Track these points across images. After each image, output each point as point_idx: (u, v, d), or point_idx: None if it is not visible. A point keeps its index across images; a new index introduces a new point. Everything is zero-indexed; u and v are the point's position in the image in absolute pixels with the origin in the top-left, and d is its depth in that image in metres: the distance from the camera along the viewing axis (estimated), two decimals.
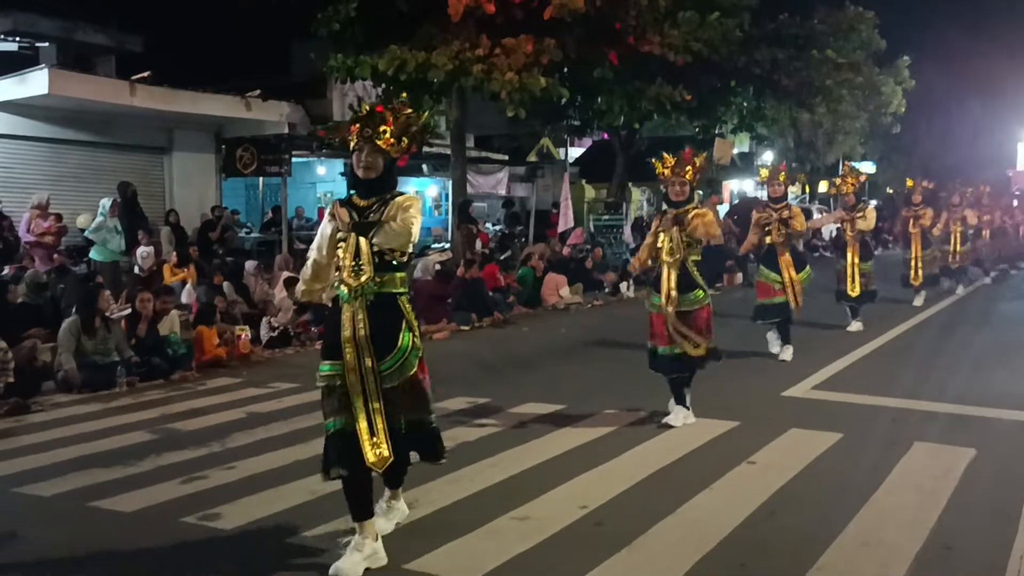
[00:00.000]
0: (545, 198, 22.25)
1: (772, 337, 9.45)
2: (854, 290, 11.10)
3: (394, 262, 4.11)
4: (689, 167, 6.45)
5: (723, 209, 24.12)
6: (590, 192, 25.41)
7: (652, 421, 6.63)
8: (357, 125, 4.11)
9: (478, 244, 16.55)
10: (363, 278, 4.03)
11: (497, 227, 22.32)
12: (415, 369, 4.14)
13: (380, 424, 4.04)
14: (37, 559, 4.30)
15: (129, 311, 9.35)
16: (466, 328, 12.17)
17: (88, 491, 5.24)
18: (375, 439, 4.03)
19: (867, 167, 39.27)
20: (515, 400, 7.48)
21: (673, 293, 6.39)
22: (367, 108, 4.18)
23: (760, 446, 5.93)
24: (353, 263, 4.06)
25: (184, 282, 11.77)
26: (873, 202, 24.23)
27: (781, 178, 9.37)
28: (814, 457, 5.71)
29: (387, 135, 4.08)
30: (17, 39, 13.24)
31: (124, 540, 4.50)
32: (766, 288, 9.35)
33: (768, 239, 9.26)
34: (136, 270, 12.51)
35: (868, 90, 23.32)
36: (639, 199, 27.55)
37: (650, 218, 27.36)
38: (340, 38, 14.59)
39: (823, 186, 32.26)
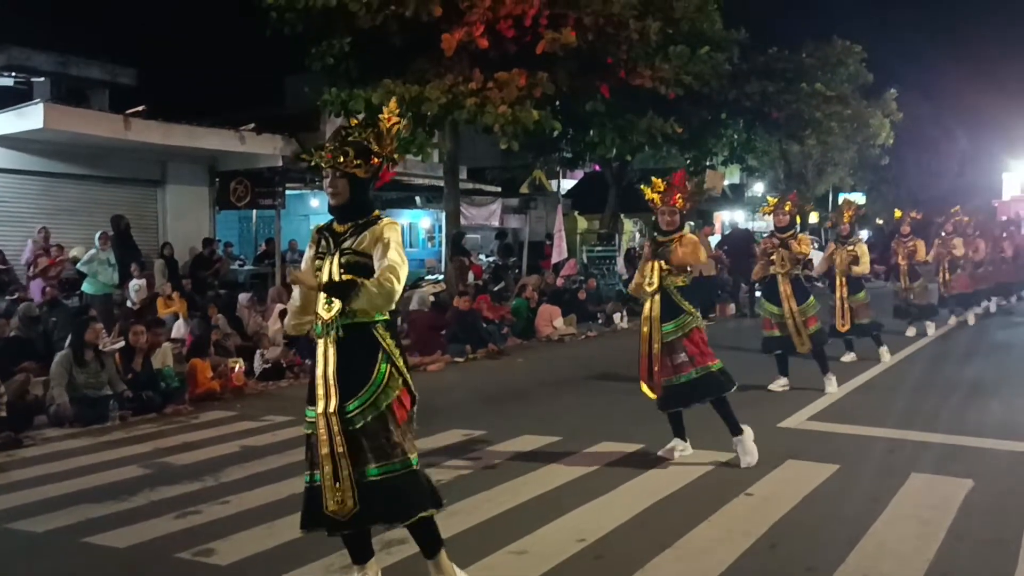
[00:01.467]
0: (538, 229, 22.36)
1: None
2: (844, 325, 10.92)
3: None
4: (679, 195, 6.32)
5: (714, 240, 24.23)
6: (583, 223, 25.52)
7: (649, 453, 6.61)
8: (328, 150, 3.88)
9: (471, 276, 16.58)
10: (334, 310, 3.81)
11: (490, 258, 22.39)
12: (391, 400, 3.83)
13: (345, 471, 3.75)
14: None
15: (122, 344, 9.31)
16: (460, 360, 12.15)
17: (81, 527, 5.18)
18: (338, 485, 3.75)
19: (857, 198, 39.61)
20: (511, 432, 7.45)
21: (655, 327, 6.23)
22: (339, 130, 3.95)
23: (757, 478, 5.90)
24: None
25: (176, 315, 11.73)
26: (864, 233, 24.38)
27: (787, 208, 9.23)
28: (812, 488, 5.69)
29: (350, 157, 3.84)
30: (12, 74, 13.28)
31: None
32: (765, 321, 9.34)
33: (772, 269, 9.15)
34: (129, 303, 12.49)
35: (856, 122, 23.60)
36: (631, 230, 27.65)
37: (642, 248, 27.51)
38: (334, 72, 14.73)
39: (814, 217, 32.45)
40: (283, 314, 11.70)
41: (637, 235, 28.62)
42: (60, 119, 12.71)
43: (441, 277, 17.22)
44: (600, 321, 16.33)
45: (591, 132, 17.50)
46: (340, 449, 3.76)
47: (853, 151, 31.98)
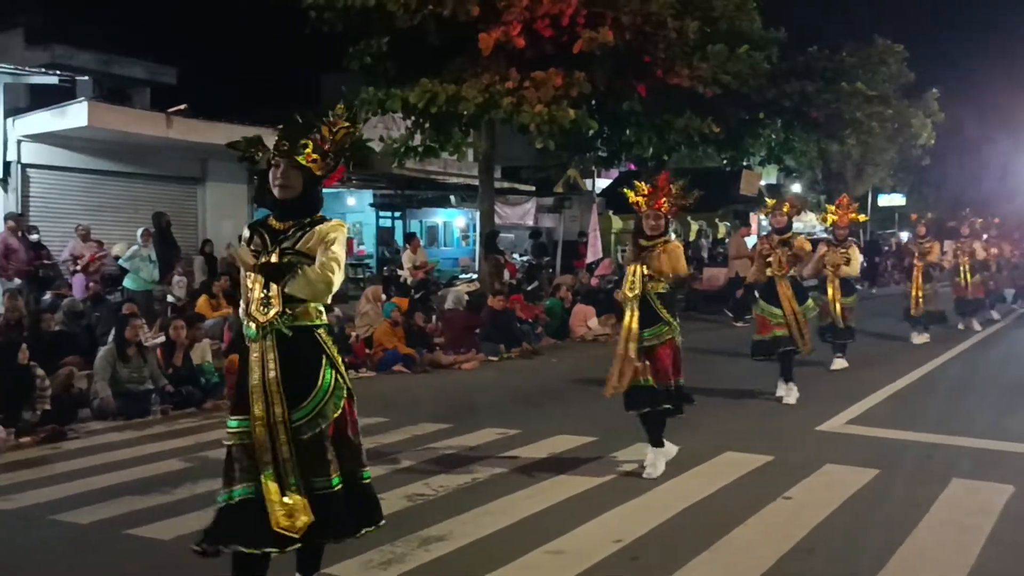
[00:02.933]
0: (572, 229, 22.33)
1: (781, 385, 8.90)
2: (839, 323, 10.72)
3: None
4: (664, 198, 6.12)
5: (751, 241, 24.03)
6: (617, 223, 25.42)
7: (687, 455, 6.57)
8: (277, 138, 3.65)
9: (505, 274, 16.61)
10: (271, 312, 3.55)
11: (524, 258, 22.40)
12: (339, 412, 3.61)
13: (294, 480, 3.49)
14: None
15: (163, 339, 9.46)
16: (494, 359, 12.18)
17: (125, 519, 5.27)
18: (287, 499, 3.47)
19: (897, 199, 39.07)
20: (546, 432, 7.46)
21: (634, 332, 6.01)
22: (295, 118, 3.70)
23: (795, 482, 5.86)
24: (262, 294, 3.59)
25: (226, 317, 11.71)
26: (904, 235, 23.97)
27: (785, 209, 9.00)
28: (851, 493, 5.63)
29: (309, 150, 3.60)
30: (57, 72, 13.54)
31: (162, 568, 4.53)
32: (764, 322, 8.90)
33: (769, 271, 8.87)
34: (169, 299, 12.68)
35: (897, 122, 23.29)
36: (668, 235, 27.48)
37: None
38: (372, 71, 14.83)
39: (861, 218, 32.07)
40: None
41: (673, 235, 28.44)
42: (104, 117, 12.95)
43: (475, 276, 17.26)
44: None
45: (627, 131, 17.44)
46: (286, 456, 3.51)
47: (893, 152, 31.59)
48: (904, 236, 31.29)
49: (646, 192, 6.14)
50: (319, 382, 3.57)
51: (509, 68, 13.94)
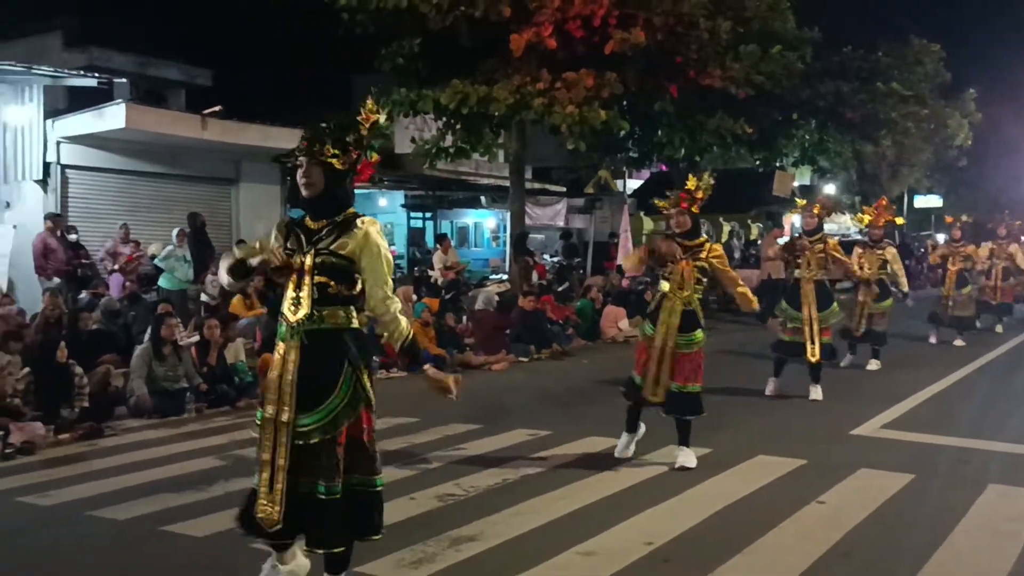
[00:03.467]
0: (603, 230, 22.26)
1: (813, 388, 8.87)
2: (858, 330, 10.74)
3: (340, 295, 3.64)
4: (685, 196, 6.17)
5: (783, 242, 23.87)
6: (648, 224, 25.27)
7: (716, 457, 6.54)
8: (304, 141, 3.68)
9: (534, 276, 16.60)
10: (300, 313, 3.59)
11: (555, 259, 22.38)
12: (352, 421, 3.61)
13: (280, 485, 3.56)
14: None
15: (197, 338, 9.57)
16: (525, 360, 12.18)
17: (160, 516, 5.34)
18: (270, 496, 3.58)
19: (933, 201, 38.52)
20: (576, 433, 7.45)
21: (673, 330, 6.06)
22: (326, 125, 3.73)
23: (830, 486, 5.80)
24: (294, 294, 3.63)
25: (259, 317, 11.78)
26: (941, 237, 23.63)
27: (816, 210, 8.99)
28: (886, 498, 5.57)
29: (327, 145, 3.63)
30: (95, 75, 13.75)
31: (197, 565, 4.58)
32: (784, 324, 9.00)
33: (797, 272, 8.87)
34: (203, 298, 12.82)
35: (934, 123, 22.98)
36: (703, 236, 27.32)
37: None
38: (404, 72, 14.89)
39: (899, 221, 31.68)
40: None
41: (704, 235, 28.26)
42: (141, 119, 13.11)
43: (506, 277, 17.28)
44: None
45: (659, 132, 17.35)
46: (281, 462, 3.57)
47: (929, 152, 31.18)
48: (940, 238, 30.84)
49: (672, 195, 6.25)
50: (336, 389, 3.57)
51: (540, 69, 13.93)
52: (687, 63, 14.76)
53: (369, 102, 3.78)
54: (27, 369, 7.92)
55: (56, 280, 11.87)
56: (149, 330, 9.17)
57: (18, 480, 6.26)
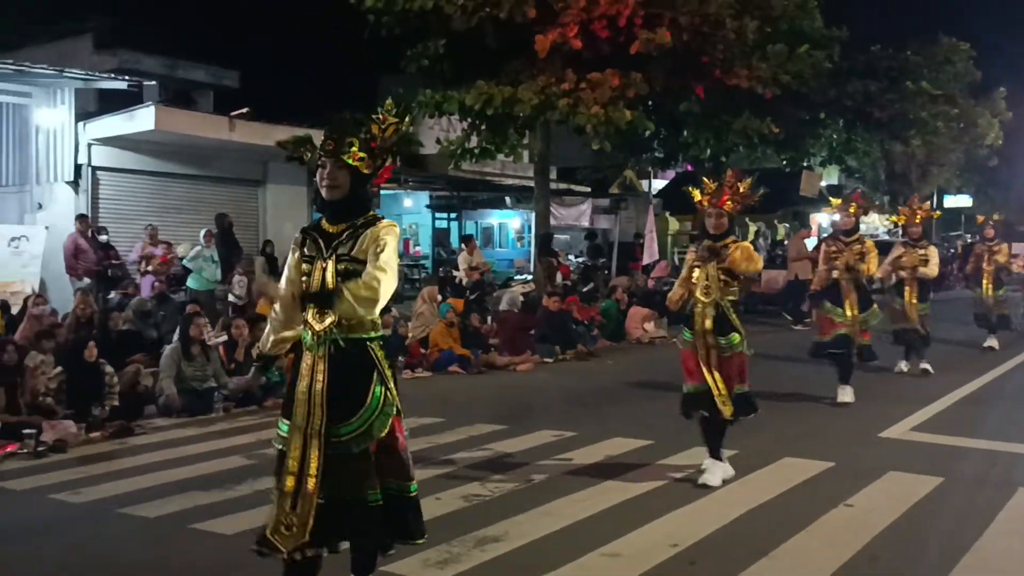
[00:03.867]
0: (628, 230, 22.22)
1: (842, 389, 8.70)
2: (923, 328, 10.36)
3: None
4: (728, 196, 5.88)
5: (811, 243, 23.67)
6: (674, 224, 25.22)
7: (743, 460, 6.51)
8: (324, 139, 3.60)
9: (559, 276, 16.59)
10: (327, 322, 3.50)
11: (579, 259, 22.35)
12: (387, 430, 3.55)
13: (310, 492, 3.46)
14: None
15: (225, 338, 9.66)
16: (550, 360, 12.18)
17: (189, 514, 5.41)
18: (297, 511, 3.48)
19: (963, 200, 38.06)
20: (601, 435, 7.44)
21: (709, 339, 5.82)
22: (343, 117, 3.66)
23: (857, 489, 5.75)
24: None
25: None
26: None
27: (852, 209, 8.69)
28: (914, 501, 5.52)
29: (355, 148, 3.53)
30: (126, 78, 13.92)
31: (226, 562, 4.63)
32: (828, 323, 8.68)
33: (835, 274, 8.57)
34: (231, 298, 12.95)
35: (963, 122, 22.72)
36: (735, 234, 27.16)
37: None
38: (429, 74, 14.94)
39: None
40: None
41: (734, 236, 28.08)
42: (170, 121, 13.25)
43: (530, 277, 17.28)
44: None
45: (685, 132, 17.30)
46: (311, 471, 3.47)
47: (959, 152, 30.84)
48: (970, 238, 30.44)
49: (711, 189, 5.92)
50: (368, 399, 3.51)
51: (565, 69, 13.93)
52: (713, 63, 14.69)
53: (388, 102, 3.69)
54: (59, 368, 8.04)
55: (87, 280, 12.03)
56: (178, 330, 9.26)
57: (51, 477, 6.36)
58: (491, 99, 13.85)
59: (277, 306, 3.76)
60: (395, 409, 3.60)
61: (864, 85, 17.73)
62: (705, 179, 6.10)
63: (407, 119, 3.74)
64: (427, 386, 10.51)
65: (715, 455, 5.98)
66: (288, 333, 3.74)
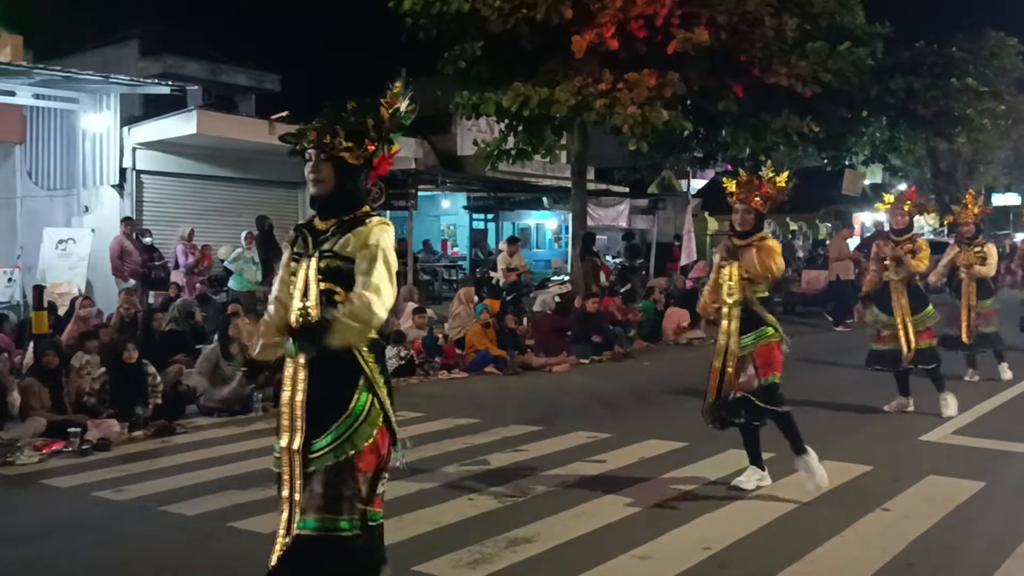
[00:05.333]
0: (666, 230, 22.09)
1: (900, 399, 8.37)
2: (968, 336, 9.80)
3: None
4: (756, 194, 5.65)
5: (854, 242, 23.35)
6: (713, 224, 25.02)
7: (779, 463, 6.44)
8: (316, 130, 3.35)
9: (602, 277, 16.55)
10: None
11: (617, 260, 22.27)
12: (371, 441, 3.25)
13: (295, 518, 3.26)
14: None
15: None
16: (585, 361, 12.17)
17: (228, 512, 5.50)
18: (285, 539, 3.31)
19: (1012, 199, 37.25)
20: (636, 436, 7.42)
21: (732, 343, 5.58)
22: (352, 106, 3.39)
23: (896, 493, 5.68)
24: (300, 305, 3.26)
25: None
26: (1020, 236, 22.86)
27: (907, 207, 8.31)
28: (954, 506, 5.43)
29: (339, 138, 3.28)
30: (168, 83, 14.19)
31: (262, 559, 4.68)
32: (878, 331, 8.33)
33: (885, 275, 8.15)
34: None
35: (1011, 118, 22.21)
36: (764, 231, 26.93)
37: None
38: (466, 76, 14.98)
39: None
40: (415, 311, 12.06)
41: (767, 232, 27.81)
42: (211, 125, 13.49)
43: (567, 278, 17.27)
44: None
45: (723, 132, 17.13)
46: (297, 496, 3.26)
47: (1008, 149, 30.20)
48: (1019, 237, 29.80)
49: (744, 180, 5.73)
50: (351, 406, 3.22)
51: (602, 70, 13.89)
52: (752, 62, 14.54)
53: (397, 85, 3.42)
54: (103, 368, 8.22)
55: (132, 282, 12.29)
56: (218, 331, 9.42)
57: (94, 475, 6.51)
58: (527, 100, 13.85)
59: (270, 308, 3.54)
60: (382, 418, 3.30)
61: (907, 82, 17.35)
62: (742, 171, 5.91)
63: (407, 102, 3.38)
64: (463, 387, 10.57)
65: (755, 461, 5.89)
66: (278, 336, 3.46)
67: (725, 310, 5.69)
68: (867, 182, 28.70)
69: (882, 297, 8.25)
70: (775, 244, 5.75)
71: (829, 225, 28.29)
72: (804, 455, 5.58)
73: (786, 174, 5.81)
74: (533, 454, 6.94)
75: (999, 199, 37.37)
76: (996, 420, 8.12)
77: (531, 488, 5.92)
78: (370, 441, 3.25)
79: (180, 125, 13.25)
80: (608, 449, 7.04)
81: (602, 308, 13.32)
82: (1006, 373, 10.04)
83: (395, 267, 3.27)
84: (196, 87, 15.73)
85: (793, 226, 29.21)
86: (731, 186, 5.77)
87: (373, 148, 3.34)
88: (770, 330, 5.63)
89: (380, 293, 3.19)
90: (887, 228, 9.15)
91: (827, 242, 22.34)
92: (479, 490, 5.83)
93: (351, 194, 3.37)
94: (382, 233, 3.27)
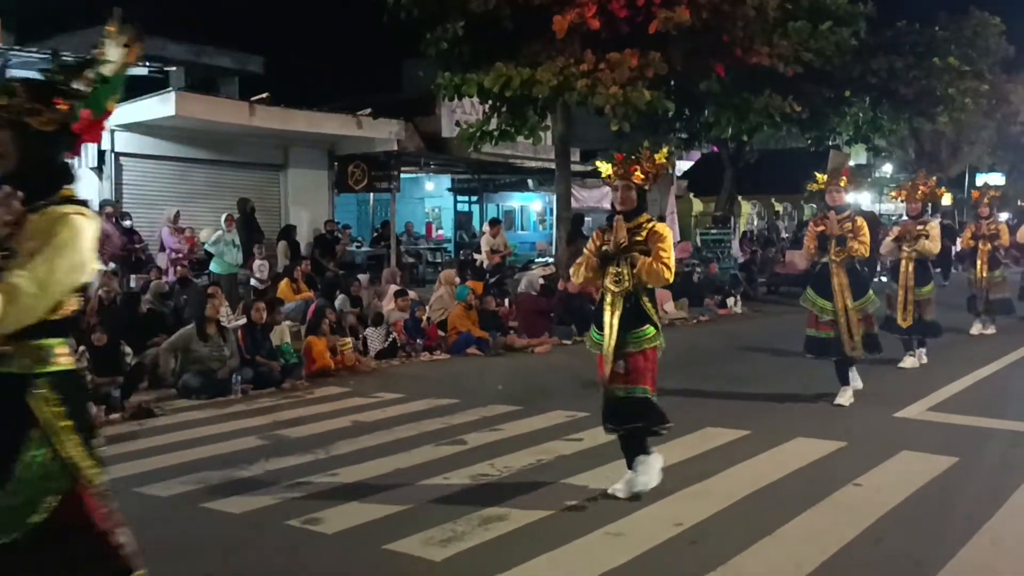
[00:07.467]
0: (651, 212, 22.05)
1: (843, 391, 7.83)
2: (905, 320, 9.47)
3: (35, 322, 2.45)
4: (637, 168, 5.17)
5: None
6: (698, 206, 25.08)
7: (756, 440, 6.49)
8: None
9: None
10: None
11: None
12: (58, 505, 2.49)
13: None
14: (152, 556, 4.53)
15: (244, 322, 9.77)
16: (567, 342, 12.18)
17: (202, 493, 5.49)
18: None
19: (996, 179, 37.42)
20: None
21: (614, 335, 5.12)
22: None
23: (868, 468, 5.72)
24: None
25: (308, 301, 11.89)
26: (1004, 215, 22.93)
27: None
28: (926, 481, 5.47)
29: (16, 98, 2.53)
30: (148, 64, 14.04)
31: (232, 540, 4.70)
32: (810, 316, 7.85)
33: (825, 256, 7.66)
34: (252, 282, 13.07)
35: (995, 98, 22.26)
36: (749, 212, 27.03)
37: (759, 232, 26.92)
38: (448, 57, 14.89)
39: (948, 199, 30.89)
40: (397, 294, 12.03)
41: (755, 218, 27.93)
42: (191, 107, 13.37)
43: (551, 260, 17.25)
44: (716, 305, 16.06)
45: (706, 112, 17.11)
46: None
47: (991, 129, 30.31)
48: (1003, 217, 29.89)
49: (619, 159, 5.22)
50: (15, 468, 2.44)
51: (584, 50, 13.82)
52: (733, 41, 14.48)
53: (110, 26, 2.74)
54: (82, 348, 8.16)
55: (112, 265, 12.20)
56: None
57: None
58: (509, 81, 13.77)
59: None
60: (81, 477, 2.54)
61: (889, 62, 17.36)
62: (617, 153, 5.36)
63: (123, 46, 2.71)
64: (445, 368, 10.58)
65: (632, 466, 5.26)
66: None
67: (608, 299, 5.25)
68: (852, 162, 28.78)
69: (820, 280, 7.74)
70: (668, 232, 5.27)
71: (814, 206, 28.33)
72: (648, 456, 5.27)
73: (665, 150, 5.46)
74: (510, 433, 6.96)
75: (983, 179, 37.56)
76: (971, 397, 8.18)
77: (507, 467, 5.93)
78: (56, 504, 2.50)
79: (158, 106, 13.12)
80: (585, 427, 7.03)
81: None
82: (908, 360, 9.62)
83: (79, 269, 2.55)
84: (176, 68, 15.59)
85: (778, 207, 29.28)
86: (606, 168, 5.32)
87: (68, 107, 2.56)
88: (651, 330, 5.19)
89: (35, 286, 2.41)
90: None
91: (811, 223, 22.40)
92: (454, 469, 5.84)
93: (41, 171, 2.58)
94: (67, 225, 2.50)
